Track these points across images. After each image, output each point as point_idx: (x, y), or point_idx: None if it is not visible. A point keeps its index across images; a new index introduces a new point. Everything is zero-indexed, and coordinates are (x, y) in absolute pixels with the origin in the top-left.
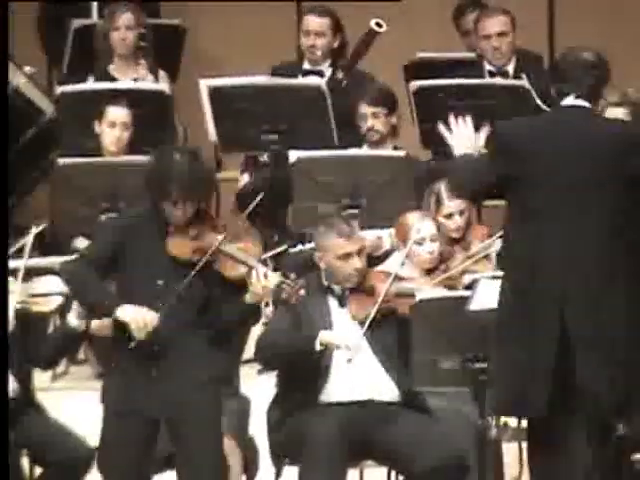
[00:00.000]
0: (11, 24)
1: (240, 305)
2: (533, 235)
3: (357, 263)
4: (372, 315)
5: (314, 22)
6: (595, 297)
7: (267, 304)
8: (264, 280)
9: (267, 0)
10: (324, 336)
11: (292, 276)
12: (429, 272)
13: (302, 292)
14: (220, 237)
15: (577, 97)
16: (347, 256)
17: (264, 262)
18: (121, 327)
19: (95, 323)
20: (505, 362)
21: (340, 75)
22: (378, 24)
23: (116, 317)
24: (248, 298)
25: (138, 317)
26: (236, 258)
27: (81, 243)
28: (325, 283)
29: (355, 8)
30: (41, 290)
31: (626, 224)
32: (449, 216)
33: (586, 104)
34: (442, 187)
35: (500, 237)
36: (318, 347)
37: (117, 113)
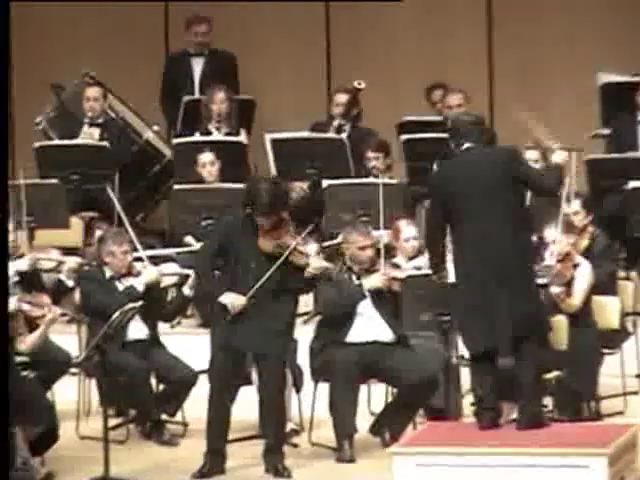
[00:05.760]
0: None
1: (303, 278)
2: (467, 228)
3: (370, 252)
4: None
5: (342, 97)
6: (507, 258)
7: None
8: (318, 265)
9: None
10: (366, 283)
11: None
12: (411, 259)
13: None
14: (294, 241)
15: (470, 143)
16: (364, 248)
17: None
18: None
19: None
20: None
21: (342, 121)
22: (359, 83)
23: (220, 301)
24: (307, 273)
25: (233, 302)
26: (301, 252)
27: (190, 240)
28: (348, 264)
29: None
30: (164, 272)
31: (520, 209)
32: None
33: (476, 144)
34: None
35: None
36: (367, 293)
37: (204, 157)
